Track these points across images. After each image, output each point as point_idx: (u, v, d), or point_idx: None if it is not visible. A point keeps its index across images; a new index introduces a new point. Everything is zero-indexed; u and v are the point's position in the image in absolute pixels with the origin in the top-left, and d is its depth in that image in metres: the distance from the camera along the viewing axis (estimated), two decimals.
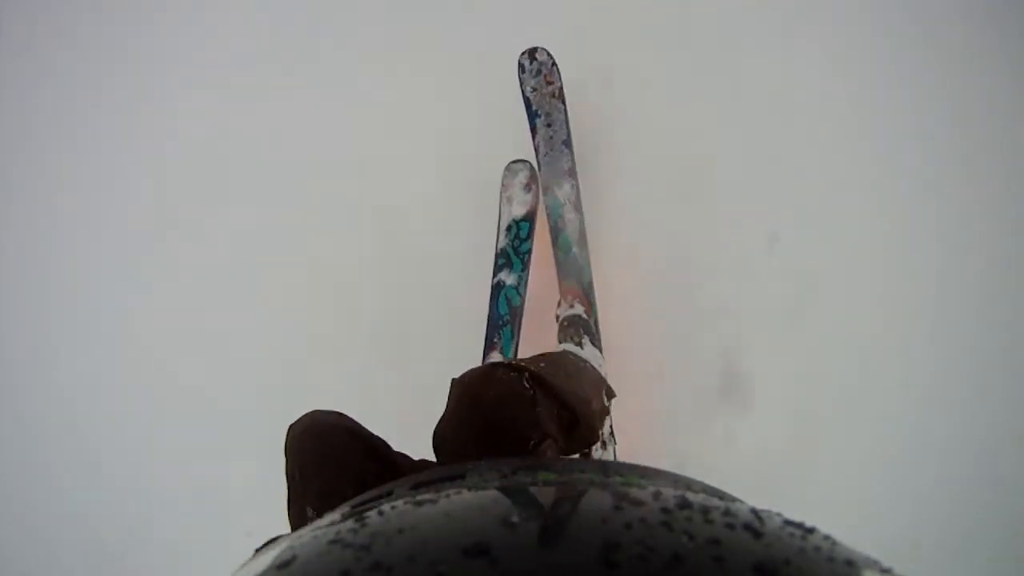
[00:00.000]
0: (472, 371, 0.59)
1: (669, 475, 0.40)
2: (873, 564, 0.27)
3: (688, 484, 0.39)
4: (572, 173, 0.95)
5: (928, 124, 1.19)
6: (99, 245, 1.19)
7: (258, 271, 1.17)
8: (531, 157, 1.00)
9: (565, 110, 0.96)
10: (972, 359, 1.21)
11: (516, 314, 0.96)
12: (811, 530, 0.29)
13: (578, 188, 0.95)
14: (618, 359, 1.12)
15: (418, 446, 0.59)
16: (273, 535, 0.41)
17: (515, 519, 0.27)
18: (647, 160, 1.08)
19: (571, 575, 0.23)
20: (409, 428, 0.59)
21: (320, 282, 1.15)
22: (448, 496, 0.32)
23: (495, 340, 0.95)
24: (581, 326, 0.89)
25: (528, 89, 0.96)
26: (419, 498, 0.32)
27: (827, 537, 0.29)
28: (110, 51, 1.21)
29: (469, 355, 0.97)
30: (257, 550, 0.39)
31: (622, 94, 1.08)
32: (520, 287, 0.96)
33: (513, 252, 0.96)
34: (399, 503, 0.32)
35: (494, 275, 0.97)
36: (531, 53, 0.96)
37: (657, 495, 0.30)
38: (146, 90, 1.20)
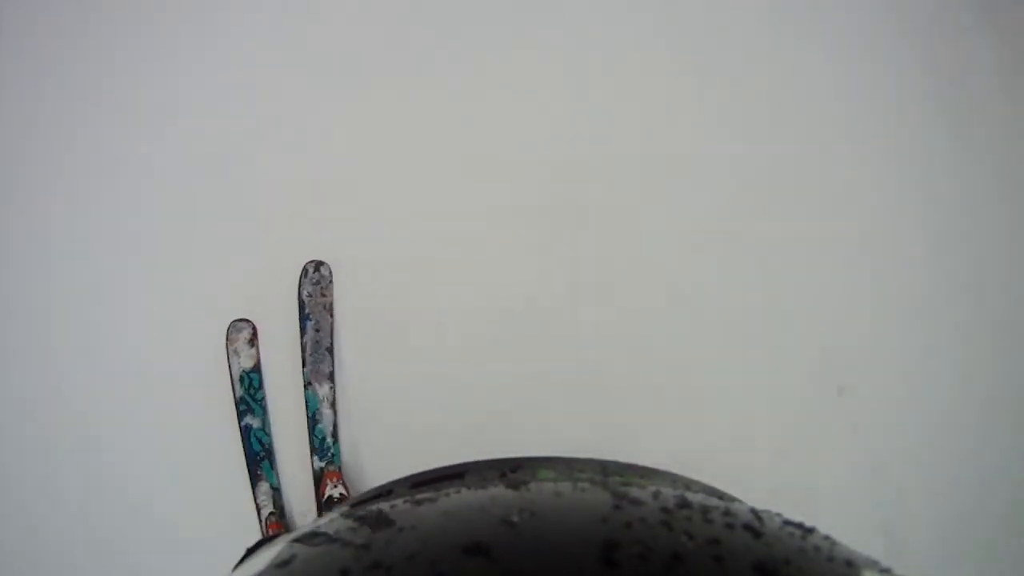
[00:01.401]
0: None
1: (668, 475, 0.40)
2: (872, 564, 0.27)
3: (687, 484, 0.39)
4: (331, 377, 1.12)
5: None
6: (99, 245, 1.19)
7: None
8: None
9: (332, 321, 1.12)
10: (971, 359, 1.22)
11: (270, 450, 1.12)
12: (811, 530, 0.29)
13: (335, 389, 1.12)
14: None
15: None
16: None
17: (515, 518, 0.27)
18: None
19: (571, 574, 0.23)
20: None
21: None
22: (447, 495, 0.32)
23: (259, 473, 1.10)
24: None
25: (305, 293, 1.12)
26: (418, 497, 0.32)
27: (826, 537, 0.29)
28: (111, 52, 1.21)
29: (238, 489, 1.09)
30: (249, 549, 0.39)
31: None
32: (266, 427, 1.12)
33: (251, 399, 1.12)
34: (398, 502, 0.32)
35: (240, 419, 1.11)
36: (317, 265, 1.12)
37: (657, 495, 0.30)
38: (144, 91, 1.20)
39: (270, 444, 1.11)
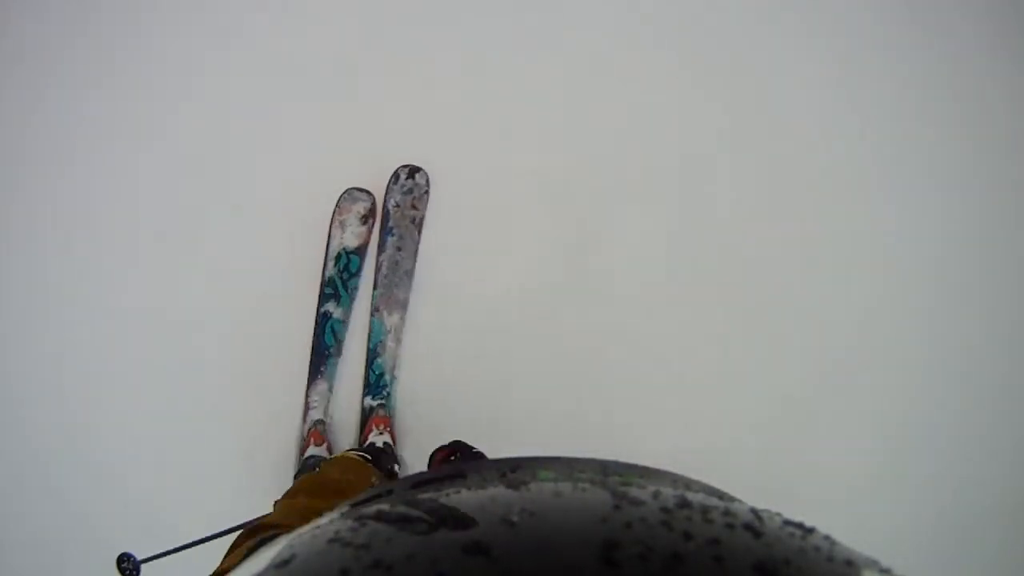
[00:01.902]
0: None
1: (668, 475, 0.40)
2: (873, 564, 0.27)
3: (687, 484, 0.39)
4: (405, 305, 0.93)
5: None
6: (96, 245, 1.19)
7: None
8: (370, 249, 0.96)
9: (419, 240, 0.92)
10: (969, 358, 1.22)
11: (341, 347, 0.95)
12: (811, 530, 0.29)
13: (405, 321, 0.93)
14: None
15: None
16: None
17: (514, 518, 0.27)
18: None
19: (571, 574, 0.23)
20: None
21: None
22: (447, 495, 0.32)
23: (322, 370, 0.93)
24: (391, 455, 0.90)
25: (391, 202, 0.90)
26: (419, 497, 0.32)
27: (827, 537, 0.29)
28: (111, 53, 1.21)
29: (294, 382, 0.97)
30: (251, 549, 0.39)
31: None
32: (347, 322, 0.94)
33: (341, 285, 0.92)
34: (398, 502, 0.32)
35: (320, 304, 0.93)
36: (412, 170, 0.90)
37: (656, 495, 0.30)
38: (142, 94, 1.20)
39: (343, 341, 0.96)
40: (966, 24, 1.21)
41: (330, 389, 0.95)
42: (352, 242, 0.91)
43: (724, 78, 1.18)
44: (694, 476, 0.40)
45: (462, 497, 0.32)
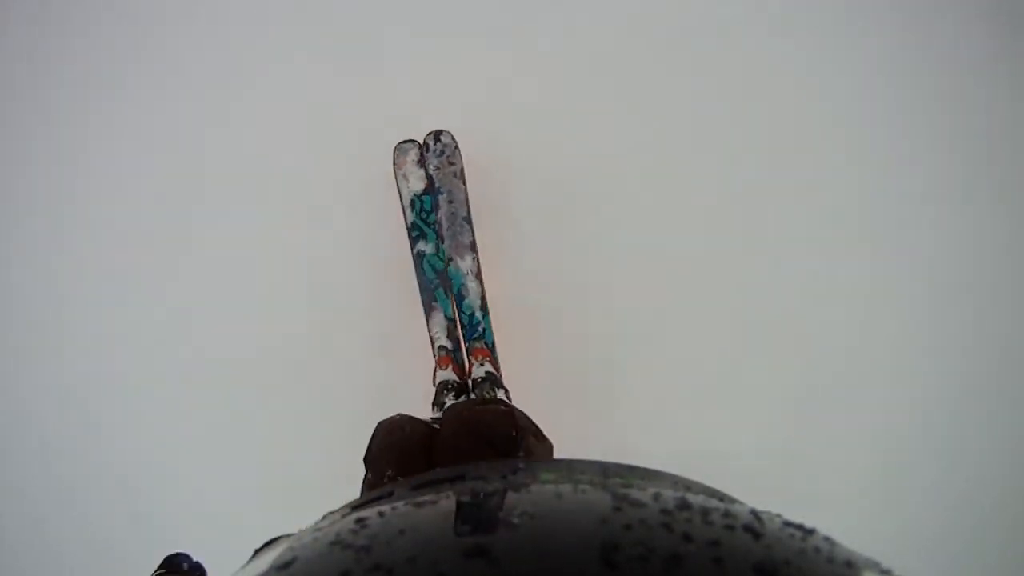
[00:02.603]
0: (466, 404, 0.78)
1: (669, 476, 0.40)
2: (873, 565, 0.27)
3: (688, 486, 0.39)
4: (473, 247, 1.02)
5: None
6: (96, 245, 1.19)
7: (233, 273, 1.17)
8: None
9: (465, 189, 1.02)
10: (970, 357, 1.22)
11: (443, 277, 1.03)
12: (811, 531, 0.29)
13: (478, 260, 1.02)
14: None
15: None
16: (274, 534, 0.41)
17: (515, 519, 0.27)
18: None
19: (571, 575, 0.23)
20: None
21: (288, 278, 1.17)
22: (448, 497, 0.32)
23: (434, 304, 1.03)
24: (492, 381, 1.00)
25: (431, 167, 1.02)
26: (419, 499, 0.32)
27: (827, 538, 0.29)
28: (111, 52, 1.22)
29: (413, 321, 1.06)
30: (257, 550, 0.39)
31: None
32: (439, 253, 1.03)
33: (423, 224, 1.03)
34: (399, 504, 0.32)
35: (412, 246, 1.03)
36: (436, 135, 1.02)
37: (657, 496, 0.30)
38: (142, 94, 1.21)
39: (443, 270, 1.03)
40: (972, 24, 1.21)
41: (446, 316, 1.04)
42: (418, 185, 1.02)
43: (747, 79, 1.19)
44: (694, 478, 0.40)
45: (462, 498, 0.32)
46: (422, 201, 1.03)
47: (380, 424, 0.76)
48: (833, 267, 1.21)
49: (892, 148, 1.23)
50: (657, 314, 1.19)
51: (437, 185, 1.02)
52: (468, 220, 1.02)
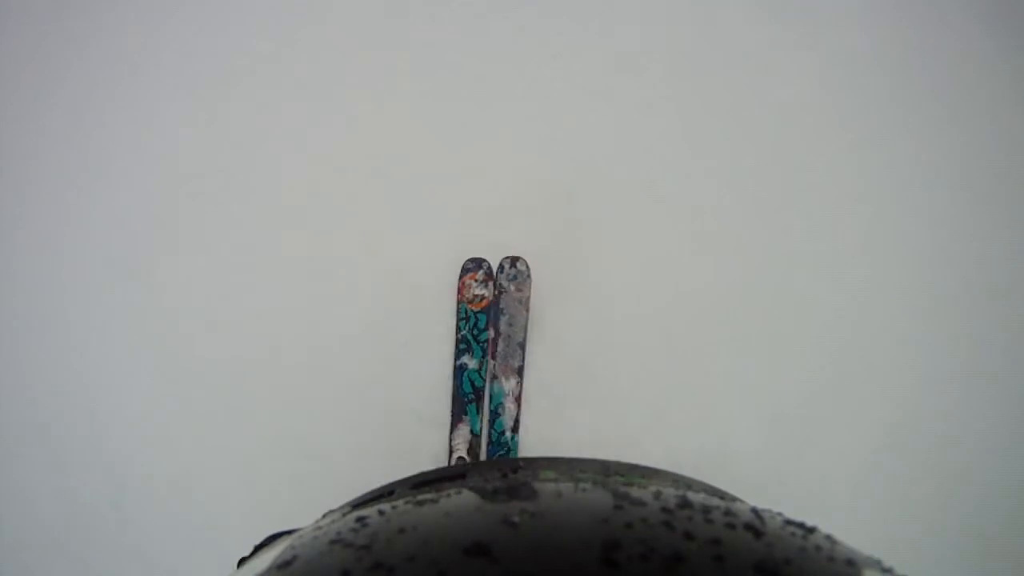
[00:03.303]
0: None
1: (670, 475, 0.40)
2: (874, 564, 0.27)
3: (689, 484, 0.39)
4: (520, 372, 1.09)
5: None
6: (95, 246, 1.19)
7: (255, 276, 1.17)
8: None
9: (527, 317, 1.10)
10: (971, 357, 1.21)
11: (480, 394, 1.09)
12: (812, 530, 0.29)
13: (522, 384, 1.09)
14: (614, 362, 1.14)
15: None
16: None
17: (516, 518, 0.27)
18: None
19: (572, 574, 0.23)
20: None
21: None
22: (449, 495, 0.32)
23: (463, 416, 1.08)
24: None
25: (500, 287, 1.10)
26: (420, 498, 0.32)
27: (828, 537, 0.29)
28: (109, 50, 1.22)
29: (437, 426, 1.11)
30: (257, 548, 0.39)
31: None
32: (482, 371, 1.10)
33: (473, 339, 1.10)
34: (400, 503, 0.32)
35: (456, 357, 1.10)
36: (512, 260, 1.11)
37: (658, 495, 0.30)
38: (141, 89, 1.21)
39: (481, 388, 1.09)
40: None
41: (472, 432, 1.09)
42: (477, 304, 1.10)
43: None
44: (695, 477, 0.40)
45: (463, 497, 0.32)
46: (477, 318, 1.10)
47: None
48: (833, 267, 1.21)
49: (890, 147, 1.23)
50: (657, 313, 1.19)
51: (502, 307, 1.09)
52: (522, 346, 1.09)
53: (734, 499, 0.37)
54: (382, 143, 1.20)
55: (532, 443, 1.13)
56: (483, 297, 1.08)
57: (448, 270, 1.13)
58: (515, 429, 1.09)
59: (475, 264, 1.10)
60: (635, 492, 0.30)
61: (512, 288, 1.09)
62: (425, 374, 1.13)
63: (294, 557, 0.28)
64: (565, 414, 1.16)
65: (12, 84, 1.22)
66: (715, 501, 0.31)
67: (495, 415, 1.08)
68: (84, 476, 1.14)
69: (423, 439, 1.13)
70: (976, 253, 1.23)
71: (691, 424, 1.16)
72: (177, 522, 1.13)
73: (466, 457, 1.07)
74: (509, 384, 1.08)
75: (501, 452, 1.09)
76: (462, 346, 1.10)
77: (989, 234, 1.23)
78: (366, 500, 0.39)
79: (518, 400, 1.09)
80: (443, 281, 1.13)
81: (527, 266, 1.10)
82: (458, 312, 1.10)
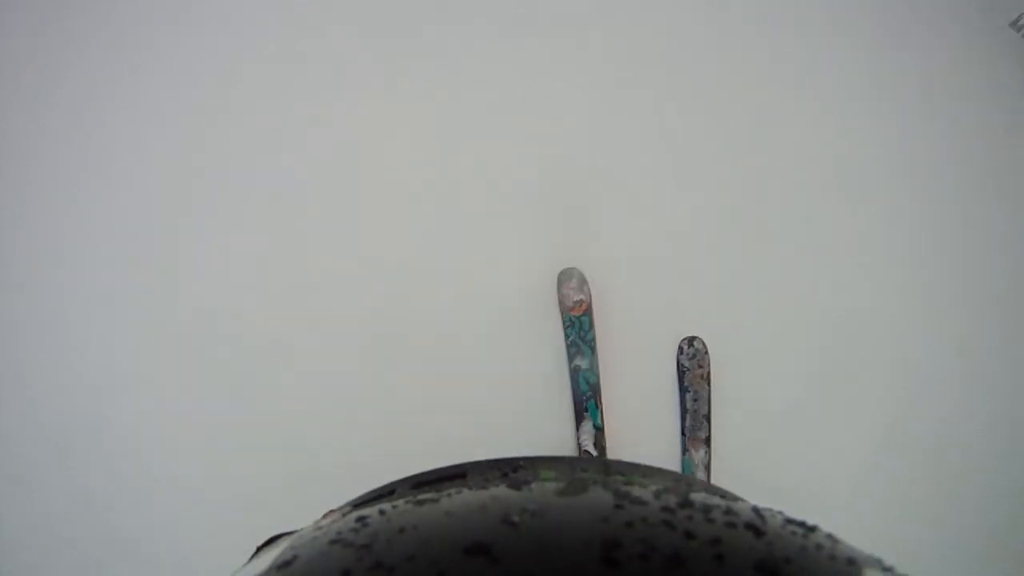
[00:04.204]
0: None
1: (671, 474, 0.40)
2: (875, 563, 0.27)
3: (689, 483, 0.39)
4: (708, 442, 1.16)
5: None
6: (96, 247, 1.19)
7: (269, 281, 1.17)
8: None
9: (709, 390, 1.16)
10: (971, 357, 1.21)
11: (596, 390, 1.15)
12: (813, 528, 0.29)
13: (710, 454, 1.16)
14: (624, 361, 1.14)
15: None
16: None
17: (516, 518, 0.27)
18: None
19: (572, 574, 0.23)
20: None
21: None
22: (449, 495, 0.32)
23: (585, 414, 1.15)
24: None
25: (683, 365, 1.18)
26: (420, 497, 0.32)
27: (829, 535, 0.28)
28: (109, 49, 1.22)
29: (564, 428, 1.16)
30: (258, 548, 0.39)
31: None
32: (594, 368, 1.16)
33: (582, 342, 1.16)
34: (400, 502, 0.32)
35: (570, 361, 1.16)
36: (690, 340, 1.18)
37: (658, 494, 0.30)
38: (142, 86, 1.20)
39: (596, 384, 1.14)
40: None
41: (595, 426, 1.14)
42: (579, 309, 1.16)
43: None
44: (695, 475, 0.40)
45: (463, 497, 0.32)
46: (581, 322, 1.16)
47: None
48: (834, 267, 1.21)
49: (888, 148, 1.23)
50: (653, 312, 1.19)
51: (685, 384, 1.17)
52: (708, 418, 1.16)
53: (735, 498, 0.37)
54: (455, 157, 1.19)
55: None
56: (582, 302, 1.14)
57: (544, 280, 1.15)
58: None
59: (567, 275, 1.16)
60: (635, 491, 0.30)
61: (694, 366, 1.16)
62: (538, 382, 1.16)
63: (294, 557, 0.28)
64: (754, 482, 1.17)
65: (13, 84, 1.22)
66: (716, 500, 0.31)
67: None
68: (84, 477, 1.14)
69: (549, 437, 1.14)
70: (977, 252, 1.23)
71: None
72: (178, 522, 1.13)
73: (592, 451, 1.11)
74: (698, 455, 1.16)
75: None
76: (572, 349, 1.16)
77: (990, 232, 1.23)
78: (366, 500, 0.39)
79: (708, 468, 1.16)
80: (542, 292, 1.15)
81: (703, 344, 1.16)
82: (563, 320, 1.16)
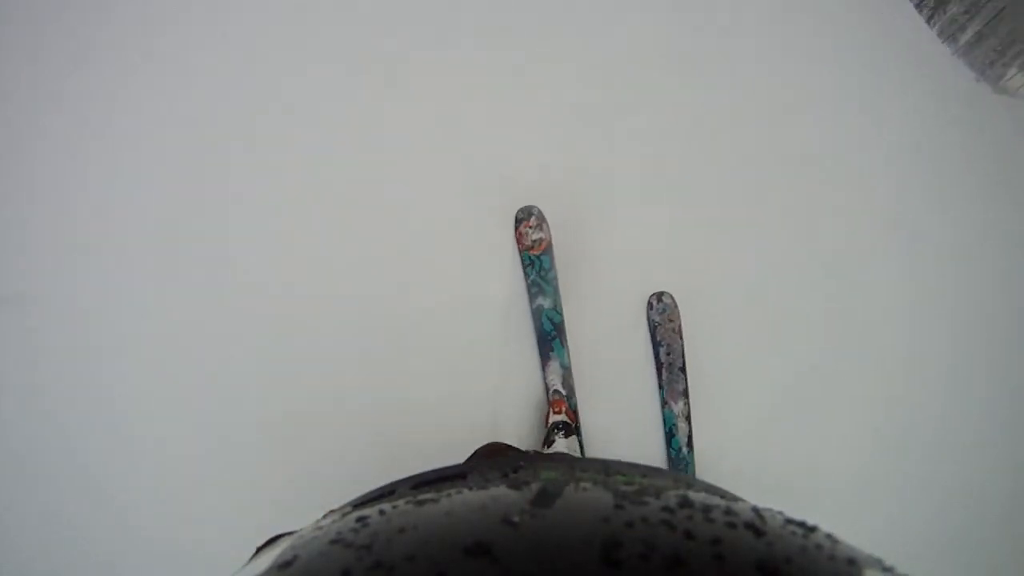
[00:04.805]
0: None
1: (670, 474, 0.40)
2: (875, 563, 0.26)
3: (689, 483, 0.38)
4: (685, 393, 1.16)
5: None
6: (96, 249, 1.19)
7: (270, 276, 1.17)
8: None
9: (682, 343, 1.16)
10: (972, 357, 1.21)
11: (560, 329, 1.14)
12: (813, 528, 0.29)
13: (689, 405, 1.16)
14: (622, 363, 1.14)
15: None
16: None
17: (516, 518, 0.27)
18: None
19: (572, 574, 0.23)
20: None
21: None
22: (449, 495, 0.32)
23: (551, 353, 1.14)
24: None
25: (654, 321, 1.18)
26: (420, 497, 0.32)
27: (829, 535, 0.28)
28: (109, 47, 1.22)
29: (531, 366, 1.16)
30: (259, 548, 0.39)
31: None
32: (557, 307, 1.14)
33: (543, 280, 1.14)
34: (400, 502, 0.32)
35: (532, 301, 1.14)
36: (659, 296, 1.17)
37: (658, 494, 0.30)
38: (142, 85, 1.20)
39: (561, 322, 1.14)
40: None
41: (562, 365, 1.13)
42: (537, 248, 1.13)
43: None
44: (696, 475, 0.40)
45: (464, 497, 0.32)
46: (541, 260, 1.13)
47: (478, 449, 0.76)
48: (833, 266, 1.21)
49: (887, 148, 1.23)
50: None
51: (658, 338, 1.17)
52: (683, 369, 1.17)
53: (735, 498, 0.37)
54: (429, 113, 1.18)
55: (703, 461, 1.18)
56: (541, 240, 1.11)
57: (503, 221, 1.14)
58: (689, 445, 1.15)
59: (525, 212, 1.12)
60: (635, 491, 0.30)
61: (664, 320, 1.17)
62: (502, 319, 1.14)
63: (295, 557, 0.28)
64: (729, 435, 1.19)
65: (16, 84, 1.22)
66: (715, 500, 0.31)
67: (670, 435, 1.15)
68: (84, 478, 1.14)
69: (514, 383, 1.13)
70: (977, 250, 1.23)
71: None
72: (178, 523, 1.13)
73: (560, 389, 1.10)
74: (678, 407, 1.16)
75: (680, 467, 1.14)
76: (534, 289, 1.13)
77: (991, 230, 1.23)
78: (367, 500, 0.39)
79: (688, 419, 1.16)
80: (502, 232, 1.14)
81: (673, 299, 1.17)
82: (522, 259, 1.13)
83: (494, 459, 0.49)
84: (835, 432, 1.19)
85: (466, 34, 1.21)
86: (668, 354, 1.16)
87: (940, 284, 1.22)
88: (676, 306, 1.17)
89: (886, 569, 0.26)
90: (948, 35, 1.23)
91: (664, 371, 1.16)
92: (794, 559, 0.25)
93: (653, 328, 1.17)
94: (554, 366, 1.12)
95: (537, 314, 1.14)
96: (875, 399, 1.19)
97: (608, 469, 0.39)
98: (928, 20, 1.23)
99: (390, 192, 1.18)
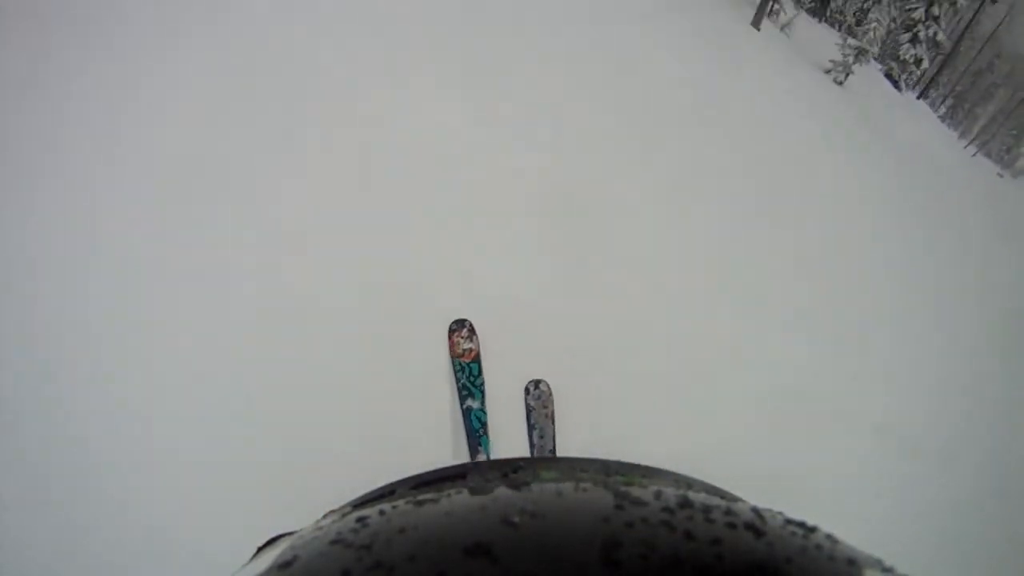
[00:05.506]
0: None
1: (671, 474, 0.40)
2: (875, 563, 0.26)
3: (689, 483, 0.38)
4: None
5: None
6: (97, 249, 1.19)
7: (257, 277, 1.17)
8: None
9: (554, 429, 1.24)
10: (971, 357, 1.22)
11: (486, 426, 1.24)
12: (813, 529, 0.29)
13: None
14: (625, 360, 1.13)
15: None
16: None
17: (516, 518, 0.27)
18: None
19: (572, 574, 0.23)
20: None
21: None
22: (449, 495, 0.32)
23: (479, 448, 1.23)
24: None
25: (529, 405, 1.26)
26: (420, 498, 0.32)
27: (829, 536, 0.28)
28: (109, 47, 1.21)
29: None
30: (259, 548, 0.39)
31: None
32: (483, 407, 1.25)
33: (472, 385, 1.26)
34: (400, 503, 0.32)
35: (462, 402, 1.25)
36: (536, 383, 1.27)
37: (659, 494, 0.30)
38: (143, 86, 1.20)
39: (486, 421, 1.24)
40: None
41: (487, 458, 1.21)
42: (468, 356, 1.26)
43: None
44: (696, 476, 0.40)
45: (464, 497, 0.32)
46: (470, 368, 1.26)
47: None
48: (833, 263, 1.21)
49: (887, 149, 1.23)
50: (657, 314, 1.19)
51: (532, 421, 1.25)
52: (553, 452, 1.24)
53: (735, 498, 0.37)
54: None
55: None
56: (471, 350, 1.26)
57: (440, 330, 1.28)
58: None
59: (459, 324, 1.27)
60: (636, 492, 0.30)
61: (539, 406, 1.26)
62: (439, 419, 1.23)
63: (295, 557, 0.28)
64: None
65: (17, 84, 1.22)
66: (716, 500, 0.31)
67: None
68: (84, 479, 1.14)
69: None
70: (978, 250, 1.23)
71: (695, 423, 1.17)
72: (179, 523, 1.13)
73: None
74: None
75: None
76: (464, 392, 1.26)
77: (998, 236, 1.23)
78: (366, 500, 0.39)
79: None
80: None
81: (548, 387, 1.26)
82: (453, 365, 1.27)
83: (493, 460, 0.49)
84: (839, 433, 1.19)
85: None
86: (541, 437, 1.24)
87: (938, 285, 1.22)
88: (551, 394, 1.26)
89: (886, 569, 0.26)
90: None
91: (535, 452, 1.23)
92: (794, 559, 0.25)
93: (528, 412, 1.25)
94: (481, 458, 1.18)
95: (467, 414, 1.23)
96: (877, 402, 1.19)
97: (608, 469, 0.39)
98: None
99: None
